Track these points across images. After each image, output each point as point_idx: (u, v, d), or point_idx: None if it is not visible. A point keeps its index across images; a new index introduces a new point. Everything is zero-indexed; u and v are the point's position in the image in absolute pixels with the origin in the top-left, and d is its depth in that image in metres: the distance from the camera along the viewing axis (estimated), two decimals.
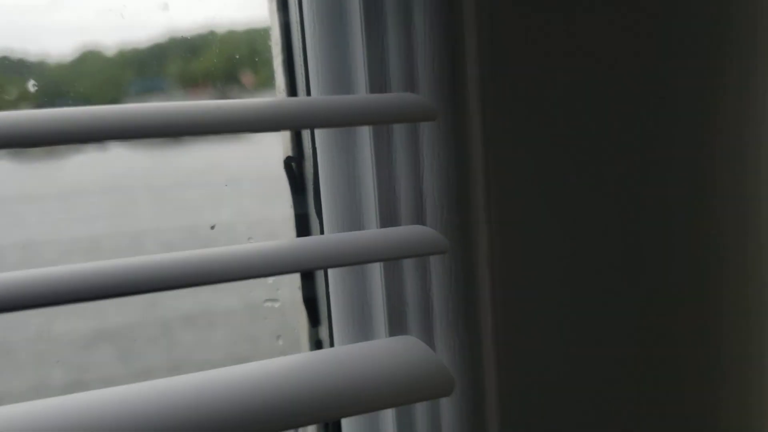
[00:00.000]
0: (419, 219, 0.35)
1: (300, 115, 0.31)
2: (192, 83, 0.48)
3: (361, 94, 0.35)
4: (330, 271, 0.39)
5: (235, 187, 0.43)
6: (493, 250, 0.35)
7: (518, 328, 0.35)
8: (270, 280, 0.47)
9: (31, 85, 0.43)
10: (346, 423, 0.39)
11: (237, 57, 0.48)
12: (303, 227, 0.45)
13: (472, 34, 0.33)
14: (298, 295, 0.47)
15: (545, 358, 0.36)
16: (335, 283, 0.40)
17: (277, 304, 0.47)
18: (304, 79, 0.39)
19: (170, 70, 0.49)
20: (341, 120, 0.31)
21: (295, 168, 0.44)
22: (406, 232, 0.32)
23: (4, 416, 0.28)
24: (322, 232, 0.41)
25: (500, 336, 0.34)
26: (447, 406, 0.34)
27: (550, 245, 0.36)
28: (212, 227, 0.44)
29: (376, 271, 0.37)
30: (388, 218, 0.36)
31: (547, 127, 0.35)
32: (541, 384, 0.36)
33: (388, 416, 0.36)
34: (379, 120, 0.31)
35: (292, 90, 0.42)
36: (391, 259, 0.31)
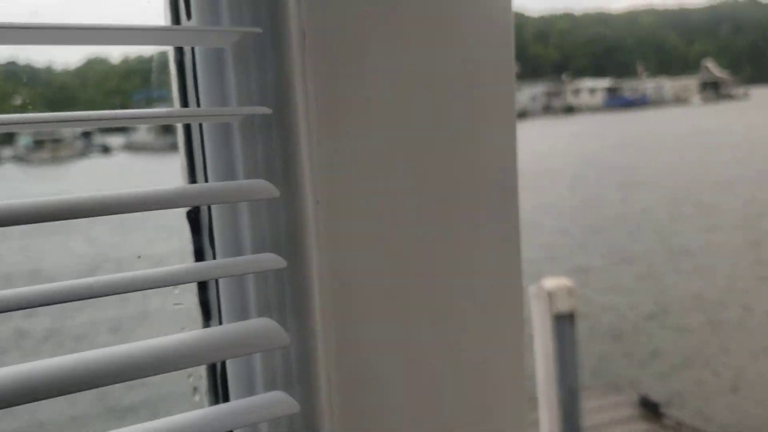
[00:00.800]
0: (276, 247, 0.60)
1: (197, 197, 0.56)
2: None
3: (238, 180, 0.60)
4: (220, 282, 0.64)
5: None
6: (321, 265, 0.60)
7: (340, 311, 0.61)
8: (176, 290, 0.71)
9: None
10: (230, 367, 0.63)
11: None
12: (199, 256, 0.69)
13: (300, 144, 0.58)
14: (196, 300, 0.70)
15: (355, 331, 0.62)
16: (223, 289, 0.64)
17: (182, 306, 0.70)
18: (201, 165, 0.63)
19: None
20: (225, 200, 0.56)
21: (194, 217, 0.68)
22: (259, 257, 0.57)
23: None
24: (214, 257, 0.65)
25: (323, 318, 0.60)
26: (293, 355, 0.59)
27: (371, 254, 0.62)
28: (138, 257, 0.66)
29: (250, 281, 0.61)
30: (260, 248, 0.61)
31: (357, 193, 0.61)
32: (355, 345, 0.62)
33: (257, 362, 0.61)
34: (239, 199, 0.56)
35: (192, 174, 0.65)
36: (247, 273, 0.56)
